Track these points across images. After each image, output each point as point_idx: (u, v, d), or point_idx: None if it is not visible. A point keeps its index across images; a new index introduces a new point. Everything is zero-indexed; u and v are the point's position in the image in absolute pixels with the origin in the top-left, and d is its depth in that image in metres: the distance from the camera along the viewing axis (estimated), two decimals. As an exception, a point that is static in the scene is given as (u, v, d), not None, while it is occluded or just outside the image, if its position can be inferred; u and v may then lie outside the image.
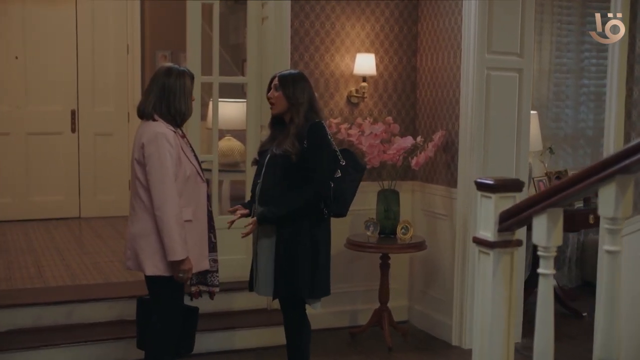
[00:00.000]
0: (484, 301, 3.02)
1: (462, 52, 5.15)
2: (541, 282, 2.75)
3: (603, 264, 2.51)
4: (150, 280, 3.89)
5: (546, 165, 6.38)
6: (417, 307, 5.78)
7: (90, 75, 8.34)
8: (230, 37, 8.95)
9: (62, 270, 5.83)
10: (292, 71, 4.20)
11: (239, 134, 6.77)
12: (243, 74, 8.24)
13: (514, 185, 2.99)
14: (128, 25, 8.43)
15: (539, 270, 2.75)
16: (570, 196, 2.59)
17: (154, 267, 3.79)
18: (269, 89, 4.12)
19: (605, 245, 2.48)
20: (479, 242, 3.01)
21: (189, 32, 5.24)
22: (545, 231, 2.68)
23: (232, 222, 4.19)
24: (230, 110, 6.38)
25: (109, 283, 5.49)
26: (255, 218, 3.99)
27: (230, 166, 6.41)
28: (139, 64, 8.50)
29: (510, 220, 2.87)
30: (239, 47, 8.84)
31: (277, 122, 4.15)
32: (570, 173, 6.18)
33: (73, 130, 8.30)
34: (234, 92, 7.53)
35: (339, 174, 4.06)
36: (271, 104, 4.08)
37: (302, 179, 3.94)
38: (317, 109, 4.10)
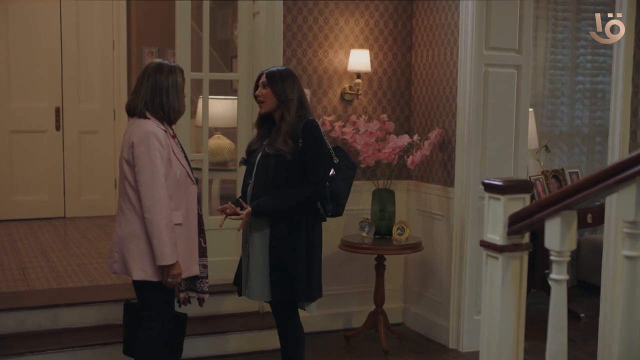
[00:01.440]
0: (492, 307, 2.90)
1: (459, 48, 5.02)
2: (554, 288, 2.63)
3: (623, 270, 2.38)
4: (138, 285, 3.75)
5: (542, 163, 6.27)
6: (412, 309, 5.65)
7: (75, 71, 8.14)
8: (217, 33, 8.78)
9: (47, 273, 5.65)
10: (280, 67, 4.05)
11: (228, 132, 6.63)
12: (231, 71, 8.13)
13: (524, 187, 2.87)
14: (114, 20, 8.24)
15: (552, 276, 2.64)
16: (586, 198, 2.46)
17: (142, 271, 3.64)
18: (256, 87, 3.98)
19: (624, 250, 2.36)
20: (486, 245, 2.89)
21: (178, 30, 5.09)
22: (559, 235, 2.56)
23: (223, 221, 4.00)
24: (219, 108, 6.22)
25: (96, 286, 5.32)
26: (249, 208, 3.84)
27: (219, 165, 6.24)
28: (125, 60, 8.31)
29: (521, 223, 2.75)
30: (227, 43, 8.67)
31: (265, 121, 4.02)
32: (567, 172, 6.09)
33: (57, 128, 8.11)
34: (222, 89, 7.38)
35: (333, 172, 3.93)
36: (259, 102, 3.95)
37: (297, 179, 3.81)
38: (308, 106, 3.98)
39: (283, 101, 3.85)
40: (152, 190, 3.53)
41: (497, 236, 2.83)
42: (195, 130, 6.43)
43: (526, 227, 2.75)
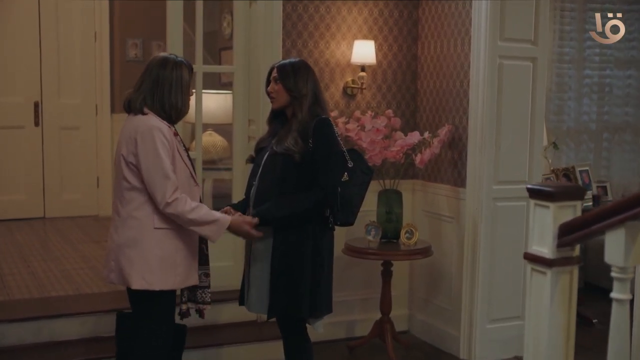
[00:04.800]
0: (538, 327, 2.59)
1: (472, 40, 4.70)
2: (616, 309, 2.33)
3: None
4: (138, 295, 3.39)
5: (550, 161, 5.96)
6: (418, 317, 5.34)
7: (55, 64, 7.71)
8: (204, 25, 8.36)
9: (27, 280, 5.26)
10: (292, 59, 3.69)
11: (219, 129, 6.28)
12: (219, 64, 7.76)
13: (575, 193, 2.55)
14: (96, 10, 7.78)
15: (613, 295, 2.33)
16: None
17: (142, 279, 3.31)
18: (268, 82, 3.63)
19: None
20: (533, 259, 2.57)
21: (170, 29, 4.76)
22: (623, 249, 2.26)
23: None
24: (211, 103, 5.87)
25: (81, 295, 4.95)
26: (256, 220, 3.48)
27: (211, 163, 5.89)
28: (108, 52, 7.85)
29: (574, 234, 2.44)
30: (214, 35, 8.29)
31: (277, 117, 3.67)
32: (577, 170, 5.81)
33: (36, 124, 7.69)
34: (210, 83, 7.02)
35: (346, 177, 3.59)
36: (271, 98, 3.60)
37: (306, 182, 3.47)
38: (323, 102, 3.63)
39: (295, 97, 3.50)
40: (165, 185, 3.22)
41: (545, 248, 2.52)
42: (185, 126, 6.08)
43: (581, 239, 2.44)
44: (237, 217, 3.46)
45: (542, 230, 2.53)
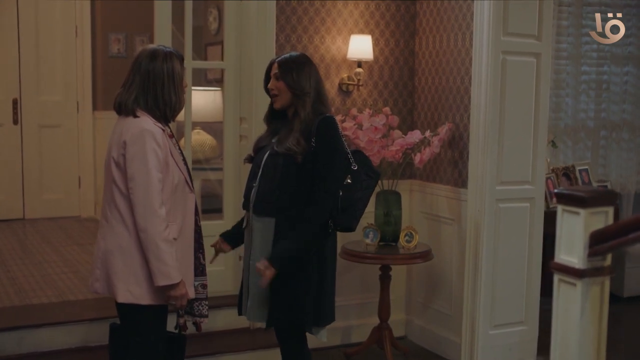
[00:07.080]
0: (567, 341, 2.40)
1: (474, 34, 4.51)
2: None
3: None
4: (123, 308, 3.19)
5: (548, 160, 5.80)
6: (416, 322, 5.16)
7: (34, 60, 7.47)
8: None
9: (7, 286, 5.02)
10: (293, 54, 3.46)
11: (206, 126, 6.06)
12: (205, 60, 7.55)
13: (607, 198, 2.37)
14: (77, 4, 7.55)
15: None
16: None
17: (128, 292, 3.10)
18: (267, 78, 3.41)
19: None
20: (561, 269, 2.38)
21: (157, 29, 4.59)
22: (665, 260, 2.08)
23: (213, 259, 3.59)
24: (199, 100, 5.65)
25: (66, 302, 4.72)
26: (270, 265, 3.22)
27: (200, 163, 5.68)
28: (89, 48, 7.61)
29: (608, 243, 2.25)
30: (200, 30, 8.06)
31: (275, 115, 3.46)
32: (577, 169, 5.66)
33: (15, 122, 7.45)
34: (196, 80, 6.79)
35: (349, 180, 3.38)
36: (273, 96, 3.37)
37: (308, 183, 3.26)
38: (326, 99, 3.42)
39: (298, 95, 3.29)
40: (147, 198, 2.99)
41: (574, 258, 2.33)
42: (172, 124, 5.84)
43: (615, 247, 2.26)
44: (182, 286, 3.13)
45: (571, 238, 2.34)
